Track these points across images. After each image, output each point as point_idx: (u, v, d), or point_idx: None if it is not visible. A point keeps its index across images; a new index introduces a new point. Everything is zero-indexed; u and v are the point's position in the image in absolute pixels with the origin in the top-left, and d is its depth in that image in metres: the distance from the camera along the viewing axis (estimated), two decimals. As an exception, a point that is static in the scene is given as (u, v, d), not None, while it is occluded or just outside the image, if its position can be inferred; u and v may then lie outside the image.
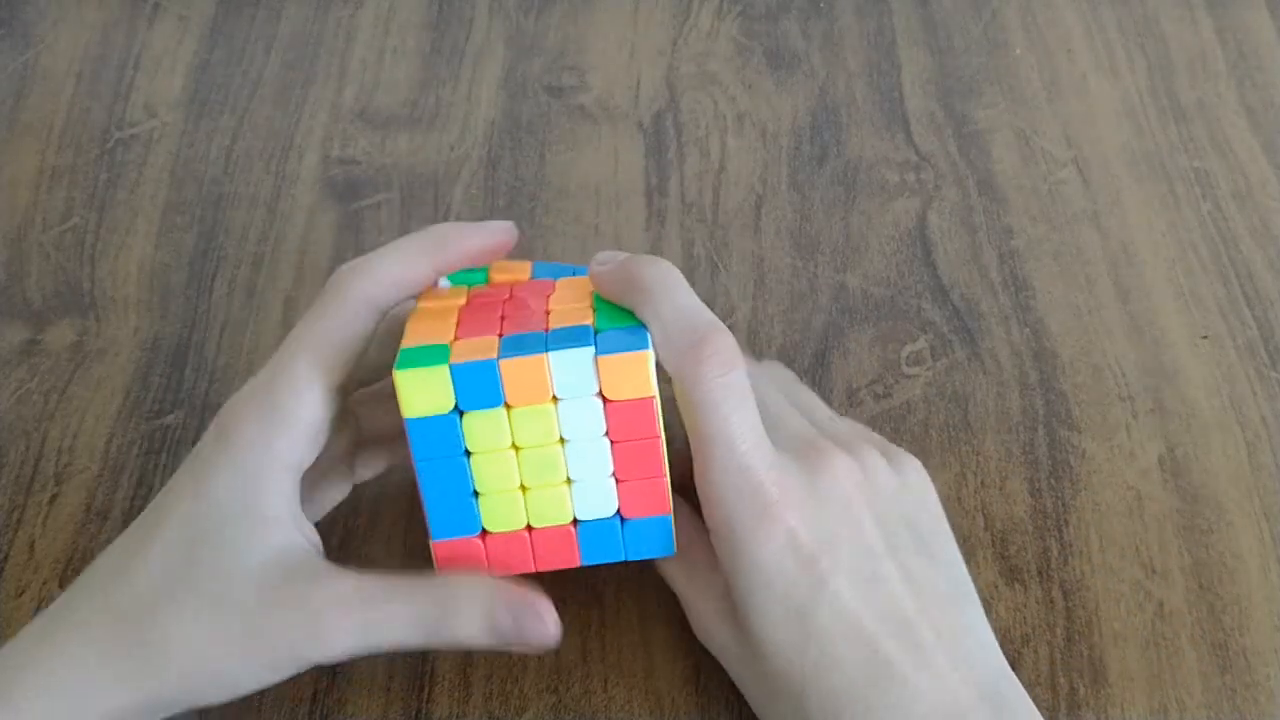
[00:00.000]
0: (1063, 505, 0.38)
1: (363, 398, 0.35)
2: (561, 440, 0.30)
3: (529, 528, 0.31)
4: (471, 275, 0.33)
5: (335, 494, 0.35)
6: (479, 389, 0.29)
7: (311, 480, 0.33)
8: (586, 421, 0.29)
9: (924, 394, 0.41)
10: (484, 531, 0.31)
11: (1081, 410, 0.40)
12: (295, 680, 0.34)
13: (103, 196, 0.46)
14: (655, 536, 0.31)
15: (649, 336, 0.30)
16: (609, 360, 0.29)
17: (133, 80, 0.50)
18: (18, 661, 0.29)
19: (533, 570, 0.31)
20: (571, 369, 0.29)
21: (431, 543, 0.31)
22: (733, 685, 0.34)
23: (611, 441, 0.30)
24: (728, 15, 0.53)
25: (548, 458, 0.30)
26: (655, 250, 0.44)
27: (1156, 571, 0.37)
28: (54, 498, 0.37)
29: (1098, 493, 0.38)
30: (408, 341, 0.30)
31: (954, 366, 0.41)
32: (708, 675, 0.34)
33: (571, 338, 0.29)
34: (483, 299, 0.32)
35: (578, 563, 0.31)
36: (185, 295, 0.43)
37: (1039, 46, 0.52)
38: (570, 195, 0.46)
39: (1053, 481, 0.39)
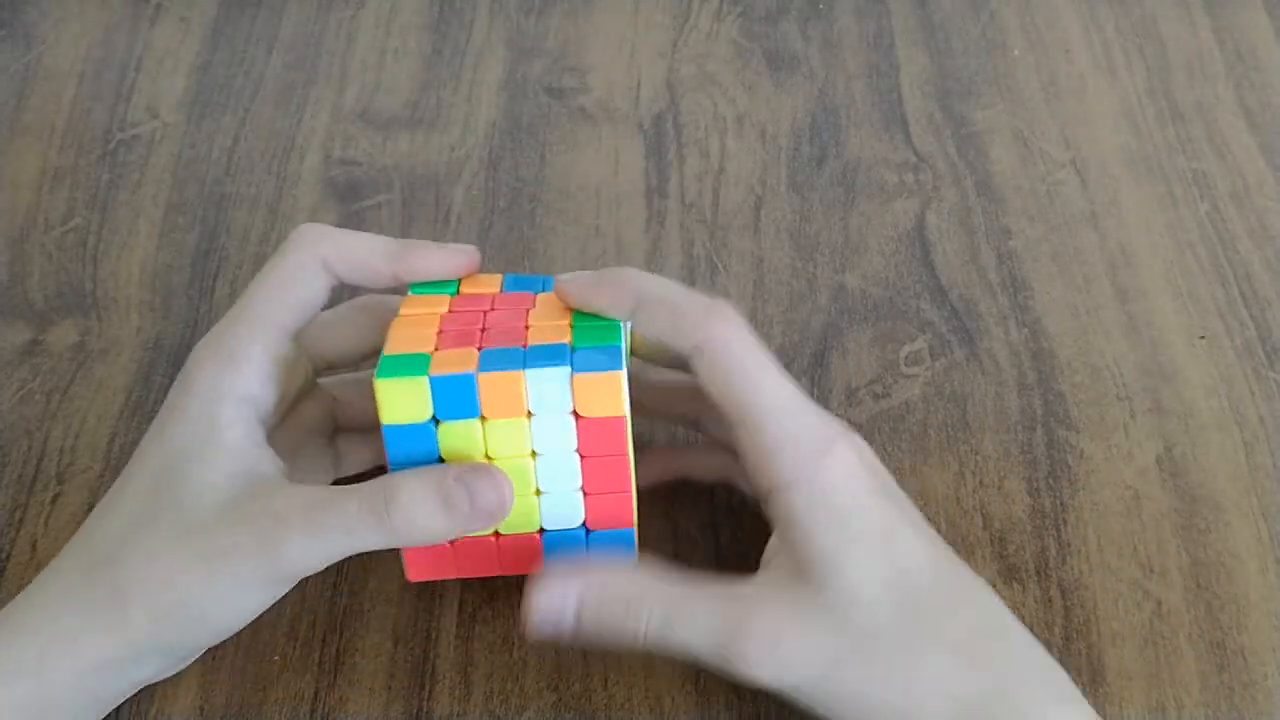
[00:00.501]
0: (1061, 505, 0.38)
1: (339, 384, 0.36)
2: (533, 453, 0.30)
3: (496, 534, 0.32)
4: (442, 287, 0.33)
5: (318, 481, 0.35)
6: (456, 400, 0.29)
7: (293, 450, 0.33)
8: (558, 437, 0.30)
9: (922, 394, 0.41)
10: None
11: (1080, 410, 0.40)
12: (297, 677, 0.34)
13: (105, 197, 0.46)
14: (618, 547, 0.32)
15: (623, 357, 0.30)
16: (584, 379, 0.29)
17: (134, 81, 0.50)
18: (2, 621, 0.30)
19: (497, 573, 0.32)
20: (547, 386, 0.29)
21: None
22: (733, 685, 0.34)
23: (581, 456, 0.30)
24: (727, 17, 0.53)
25: (519, 469, 0.30)
26: (655, 250, 0.44)
27: (1154, 571, 0.37)
28: (56, 497, 0.38)
29: (1096, 492, 0.38)
30: (390, 349, 0.30)
31: (952, 366, 0.41)
32: (707, 675, 0.34)
33: (548, 355, 0.30)
34: (464, 308, 0.32)
35: (541, 569, 0.32)
36: (187, 295, 0.43)
37: (1037, 47, 0.52)
38: (570, 196, 0.46)
39: (1051, 481, 0.39)
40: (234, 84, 0.50)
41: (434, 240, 0.34)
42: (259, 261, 0.44)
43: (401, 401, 0.29)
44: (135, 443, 0.38)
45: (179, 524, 0.30)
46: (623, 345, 0.30)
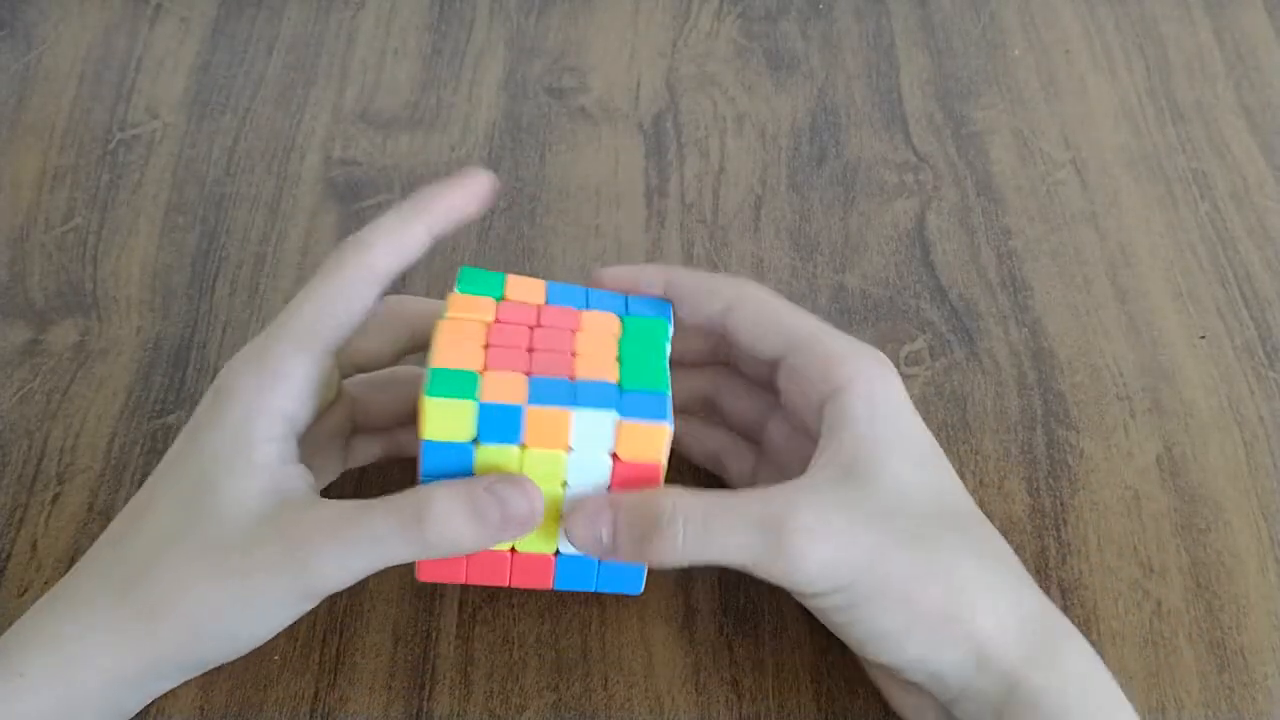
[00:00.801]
0: (1061, 504, 0.38)
1: (360, 384, 0.35)
2: (564, 484, 0.30)
3: (513, 550, 0.32)
4: (487, 286, 0.33)
5: (327, 475, 0.35)
6: (501, 427, 0.29)
7: (309, 452, 0.33)
8: (592, 473, 0.30)
9: (922, 394, 0.41)
10: None
11: (1079, 410, 0.40)
12: (297, 676, 0.34)
13: (105, 197, 0.46)
14: (627, 576, 0.32)
15: (669, 405, 0.30)
16: (629, 426, 0.29)
17: (134, 81, 0.50)
18: (25, 636, 0.30)
19: (505, 585, 0.32)
20: (592, 427, 0.29)
21: None
22: (733, 684, 0.34)
23: (610, 493, 0.31)
24: (727, 17, 0.53)
25: (547, 494, 0.30)
26: (655, 250, 0.44)
27: (1154, 570, 0.37)
28: (56, 497, 0.38)
29: (1096, 492, 0.38)
30: (437, 360, 0.30)
31: (952, 366, 0.41)
32: (707, 675, 0.34)
33: (597, 396, 0.30)
34: (510, 319, 0.32)
35: (550, 587, 0.32)
36: (187, 295, 0.43)
37: (1037, 47, 0.52)
38: (571, 196, 0.46)
39: (1051, 481, 0.39)
40: (234, 84, 0.50)
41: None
42: (259, 261, 0.44)
43: (447, 421, 0.29)
44: (135, 443, 0.39)
45: (210, 541, 0.29)
46: (668, 390, 0.31)
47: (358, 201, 0.46)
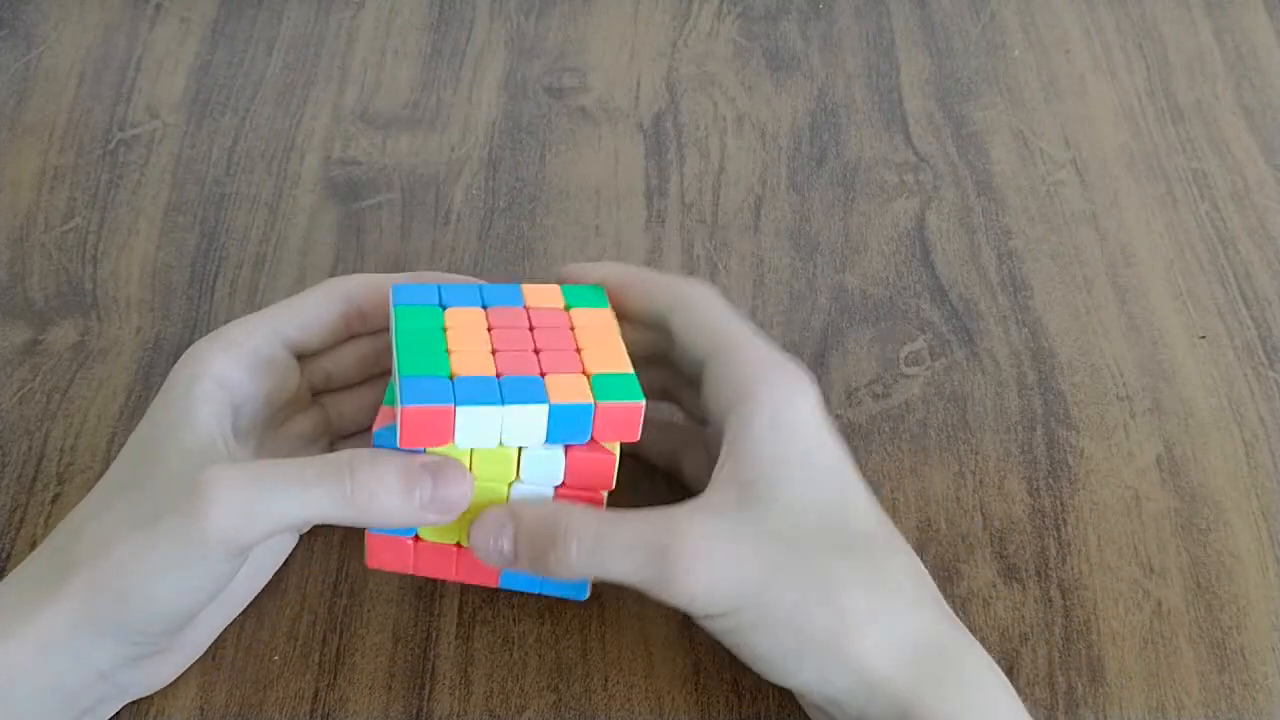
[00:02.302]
0: (1061, 505, 0.38)
1: (331, 395, 0.36)
2: (514, 481, 0.31)
3: (458, 545, 0.32)
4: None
5: None
6: (570, 427, 0.30)
7: (285, 455, 0.34)
8: (544, 472, 0.31)
9: (923, 394, 0.41)
10: (417, 536, 0.32)
11: (1080, 410, 0.40)
12: (297, 677, 0.34)
13: (105, 197, 0.46)
14: (571, 582, 0.32)
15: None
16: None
17: (135, 81, 0.50)
18: None
19: (452, 579, 0.33)
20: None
21: (367, 532, 0.32)
22: (733, 684, 0.34)
23: (556, 491, 0.31)
24: (727, 17, 0.53)
25: (495, 493, 0.31)
26: (655, 250, 0.44)
27: (1154, 570, 0.37)
28: (56, 497, 0.38)
29: (1096, 492, 0.38)
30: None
31: (953, 366, 0.41)
32: (707, 675, 0.34)
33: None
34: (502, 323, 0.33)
35: (496, 584, 0.33)
36: (187, 295, 0.43)
37: (1037, 48, 0.52)
38: (570, 196, 0.46)
39: (1051, 481, 0.39)
40: (234, 84, 0.50)
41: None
42: (259, 261, 0.44)
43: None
44: (135, 442, 0.39)
45: (135, 495, 0.30)
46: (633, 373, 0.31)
47: (357, 201, 0.46)
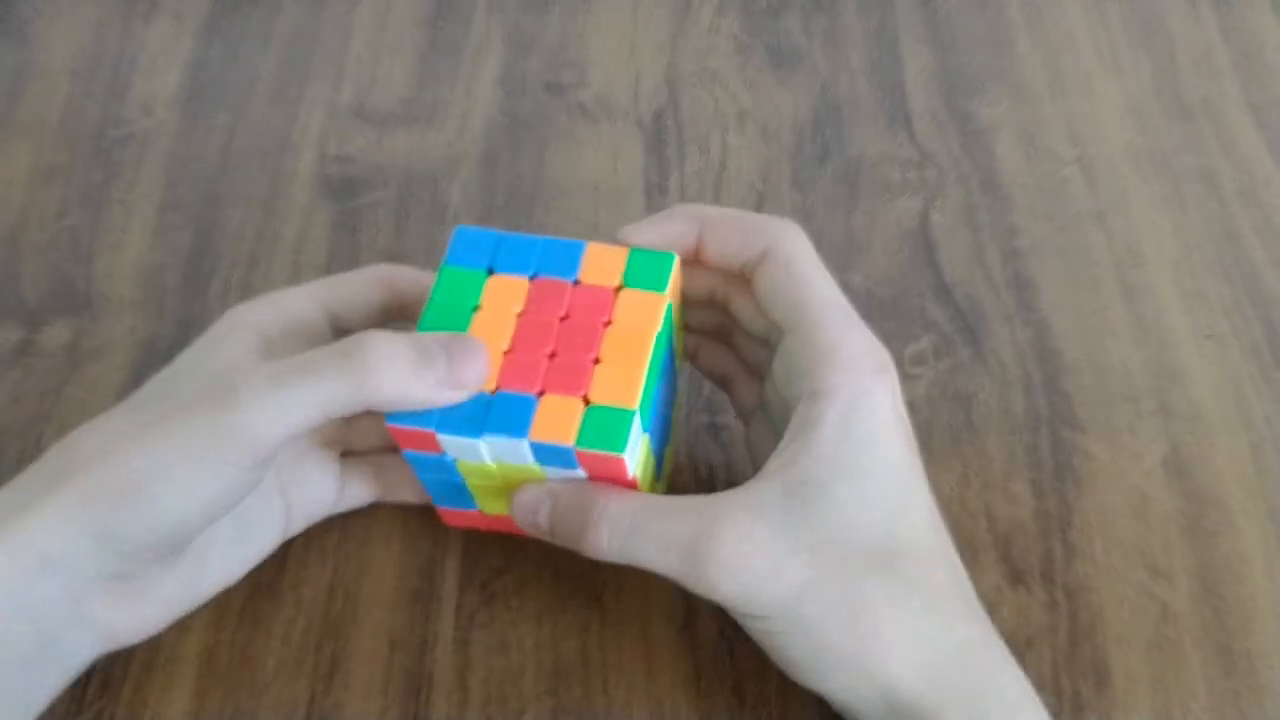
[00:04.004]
0: (1066, 507, 0.38)
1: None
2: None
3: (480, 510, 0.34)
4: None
5: (324, 499, 0.35)
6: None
7: (297, 454, 0.33)
8: (564, 472, 0.30)
9: (927, 394, 0.40)
10: (479, 511, 0.34)
11: (1085, 411, 0.40)
12: (291, 682, 0.33)
13: (98, 195, 0.45)
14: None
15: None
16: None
17: (128, 78, 0.49)
18: None
19: (475, 508, 0.34)
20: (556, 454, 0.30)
21: (436, 506, 0.34)
22: (734, 688, 0.33)
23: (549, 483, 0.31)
24: (728, 12, 0.52)
25: (532, 472, 0.31)
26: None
27: (1161, 573, 0.36)
28: (48, 499, 0.37)
29: (1102, 494, 0.38)
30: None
31: (957, 366, 0.41)
32: (708, 677, 0.34)
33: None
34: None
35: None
36: (181, 294, 0.42)
37: (1043, 44, 0.51)
38: (569, 193, 0.46)
39: (1056, 483, 0.38)
40: (229, 81, 0.49)
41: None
42: (254, 260, 0.43)
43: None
44: (128, 444, 0.38)
45: (155, 409, 0.29)
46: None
47: (353, 199, 0.45)
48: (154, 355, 0.41)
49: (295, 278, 0.43)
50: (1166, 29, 0.52)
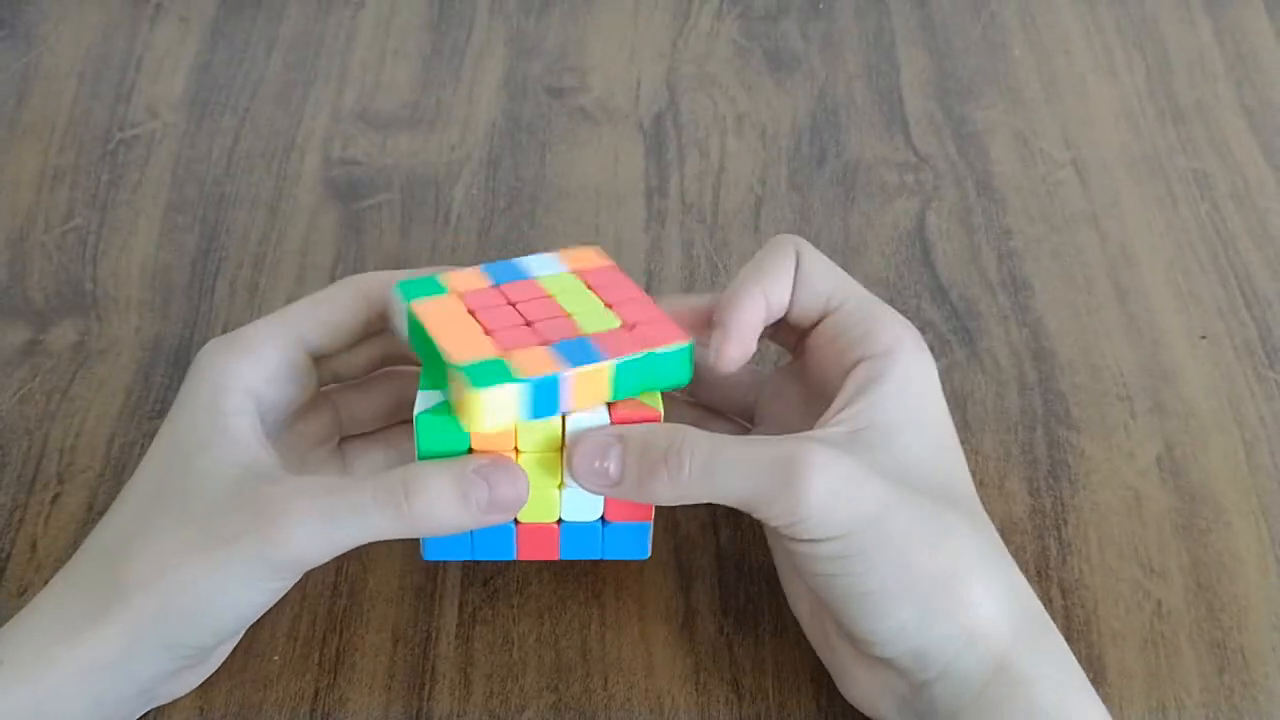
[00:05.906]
0: (1061, 505, 0.38)
1: (340, 390, 0.36)
2: (562, 448, 0.30)
3: (516, 521, 0.32)
4: (428, 288, 0.32)
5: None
6: (546, 400, 0.29)
7: (298, 457, 0.33)
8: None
9: (923, 394, 0.41)
10: None
11: (1080, 410, 0.40)
12: (296, 677, 0.34)
13: (105, 197, 0.46)
14: (633, 540, 0.32)
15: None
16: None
17: (134, 81, 0.50)
18: (11, 627, 0.30)
19: (514, 559, 0.33)
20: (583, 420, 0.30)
21: None
22: (733, 684, 0.34)
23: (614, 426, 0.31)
24: (727, 17, 0.53)
25: (545, 461, 0.30)
26: (655, 250, 0.44)
27: (1155, 571, 0.37)
28: (56, 497, 0.38)
29: (1096, 492, 0.38)
30: (457, 358, 0.29)
31: (953, 366, 0.41)
32: (708, 675, 0.34)
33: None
34: (486, 303, 0.32)
35: (557, 557, 0.32)
36: (187, 295, 0.43)
37: (1038, 48, 0.52)
38: (570, 196, 0.46)
39: (1051, 481, 0.39)
40: (234, 84, 0.50)
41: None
42: (259, 261, 0.44)
43: (497, 408, 0.29)
44: (135, 443, 0.39)
45: (183, 513, 0.29)
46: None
47: (357, 201, 0.46)
48: (160, 355, 0.41)
49: (301, 280, 0.43)
50: (1160, 32, 0.52)
